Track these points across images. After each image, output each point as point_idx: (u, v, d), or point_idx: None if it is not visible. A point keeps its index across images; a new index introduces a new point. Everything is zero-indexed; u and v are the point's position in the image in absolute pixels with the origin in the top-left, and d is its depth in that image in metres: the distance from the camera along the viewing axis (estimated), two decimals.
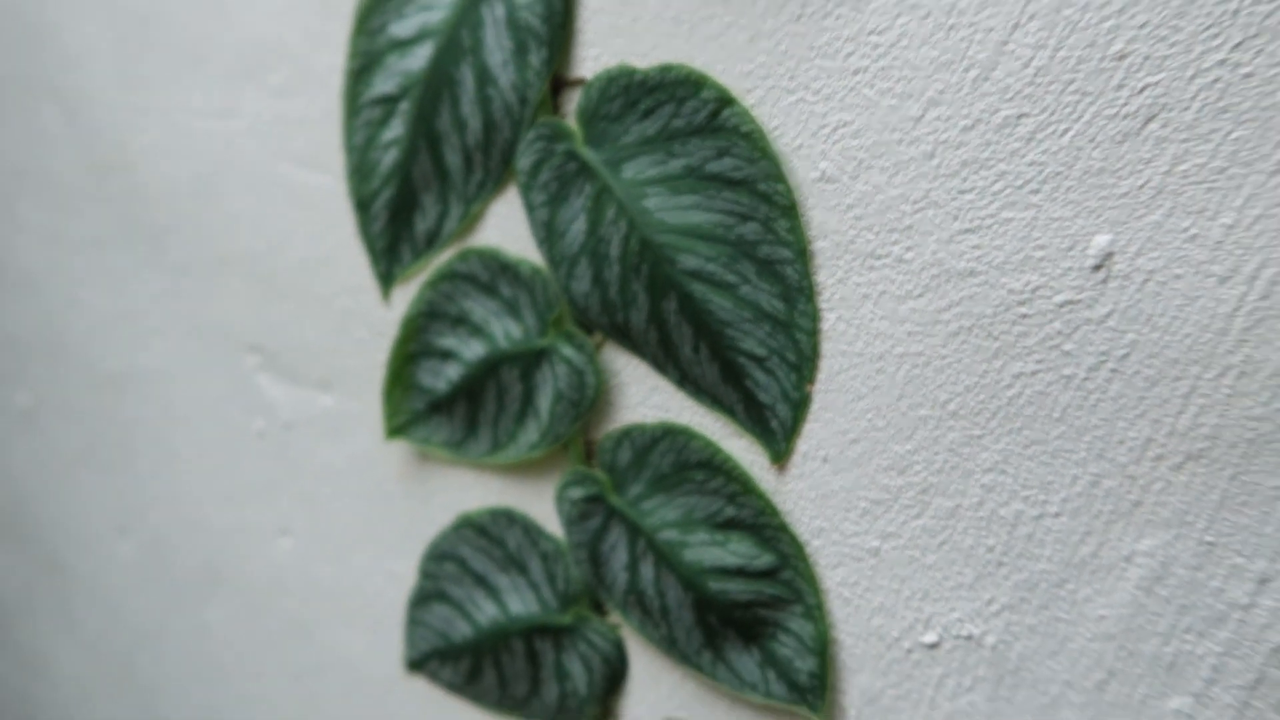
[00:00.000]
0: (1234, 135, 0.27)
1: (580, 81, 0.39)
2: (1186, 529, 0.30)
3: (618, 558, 0.41)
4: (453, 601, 0.48)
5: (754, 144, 0.35)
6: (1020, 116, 0.30)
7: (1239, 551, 0.29)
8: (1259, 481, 0.28)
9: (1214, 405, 0.29)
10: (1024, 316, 0.31)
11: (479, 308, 0.44)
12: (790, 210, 0.35)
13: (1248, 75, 0.27)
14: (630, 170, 0.38)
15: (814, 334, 0.35)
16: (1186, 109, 0.28)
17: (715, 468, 0.38)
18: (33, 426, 0.72)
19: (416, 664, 0.51)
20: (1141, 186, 0.28)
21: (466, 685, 0.49)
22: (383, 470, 0.50)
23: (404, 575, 0.51)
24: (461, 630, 0.48)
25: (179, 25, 0.54)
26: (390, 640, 0.52)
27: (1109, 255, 0.29)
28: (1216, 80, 0.27)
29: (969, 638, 0.34)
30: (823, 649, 0.37)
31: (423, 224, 0.45)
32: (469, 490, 0.47)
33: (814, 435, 0.36)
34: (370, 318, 0.49)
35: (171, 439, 0.62)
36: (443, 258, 0.45)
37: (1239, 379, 0.28)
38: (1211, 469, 0.29)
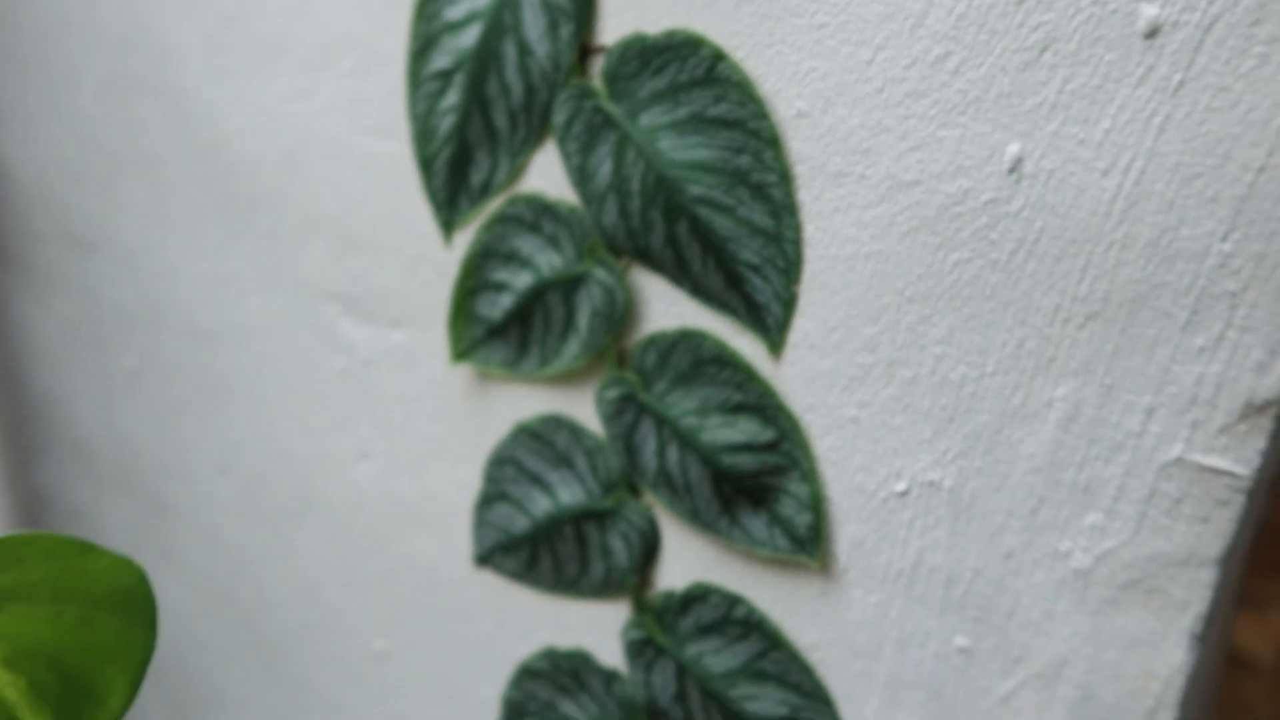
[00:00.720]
0: (1106, 59, 0.35)
1: (602, 48, 0.48)
2: (1090, 376, 0.38)
3: (648, 445, 0.51)
4: (512, 500, 0.58)
5: (743, 90, 0.44)
6: (948, 54, 0.38)
7: (1130, 390, 0.38)
8: (1141, 331, 0.37)
9: (1104, 274, 0.37)
10: (959, 215, 0.39)
11: (526, 244, 0.53)
12: (775, 143, 0.43)
13: (1113, 12, 0.35)
14: (646, 119, 0.47)
15: (798, 243, 0.44)
16: (1070, 40, 0.36)
17: (724, 362, 0.47)
18: (139, 385, 0.84)
19: (483, 558, 0.61)
20: (1040, 104, 0.37)
21: (526, 573, 0.59)
22: (449, 392, 0.60)
23: (470, 482, 0.60)
24: (520, 524, 0.58)
25: (260, 22, 0.64)
26: (460, 541, 0.62)
27: (1019, 160, 0.38)
28: (1091, 16, 0.35)
29: (931, 483, 0.43)
30: (817, 506, 0.46)
31: (477, 177, 0.55)
32: (523, 402, 0.56)
33: (801, 328, 0.45)
34: (435, 261, 0.58)
35: (264, 385, 0.73)
36: (494, 205, 0.54)
37: (1122, 250, 0.37)
38: (1106, 325, 0.37)
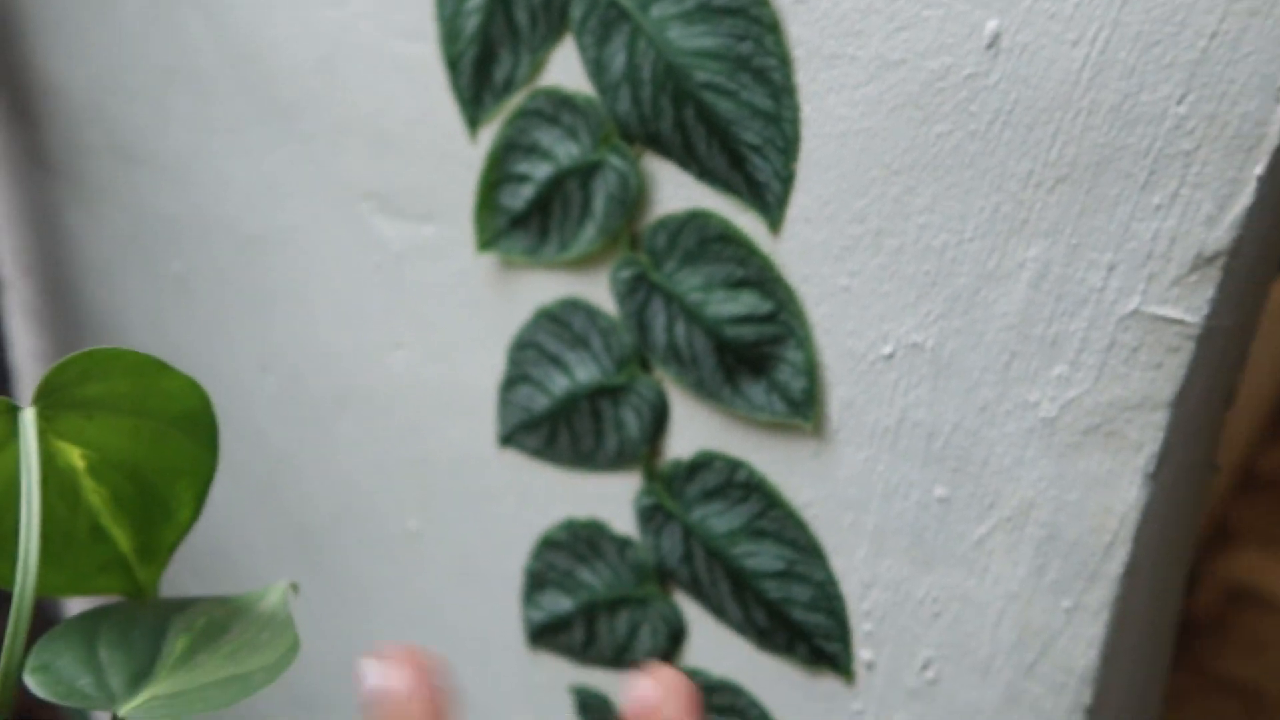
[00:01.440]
0: None
1: None
2: (1059, 236, 0.42)
3: (658, 322, 0.55)
4: (533, 380, 0.63)
5: None
6: None
7: (1094, 248, 0.41)
8: (1105, 191, 0.41)
9: (1072, 139, 0.41)
10: (941, 90, 0.43)
11: (546, 136, 0.58)
12: (775, 28, 0.47)
13: None
14: (656, 10, 0.51)
15: (795, 123, 0.48)
16: None
17: (728, 239, 0.52)
18: (185, 291, 0.90)
19: (506, 438, 0.66)
20: None
21: (546, 448, 0.64)
22: (475, 280, 0.65)
23: (495, 367, 0.66)
24: (541, 403, 0.63)
25: None
26: (486, 424, 0.68)
27: (997, 35, 0.41)
28: None
29: (914, 345, 0.47)
30: (811, 370, 0.51)
31: (500, 74, 0.59)
32: (544, 287, 0.61)
33: (798, 203, 0.49)
34: (462, 157, 0.63)
35: (304, 284, 0.78)
36: (517, 100, 0.59)
37: (1088, 116, 0.40)
38: (1074, 188, 0.41)
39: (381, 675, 0.25)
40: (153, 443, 0.38)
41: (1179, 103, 0.38)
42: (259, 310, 0.84)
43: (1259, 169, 0.38)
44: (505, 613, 0.70)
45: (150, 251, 0.92)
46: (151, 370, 0.37)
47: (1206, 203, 0.39)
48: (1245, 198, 0.38)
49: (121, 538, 0.40)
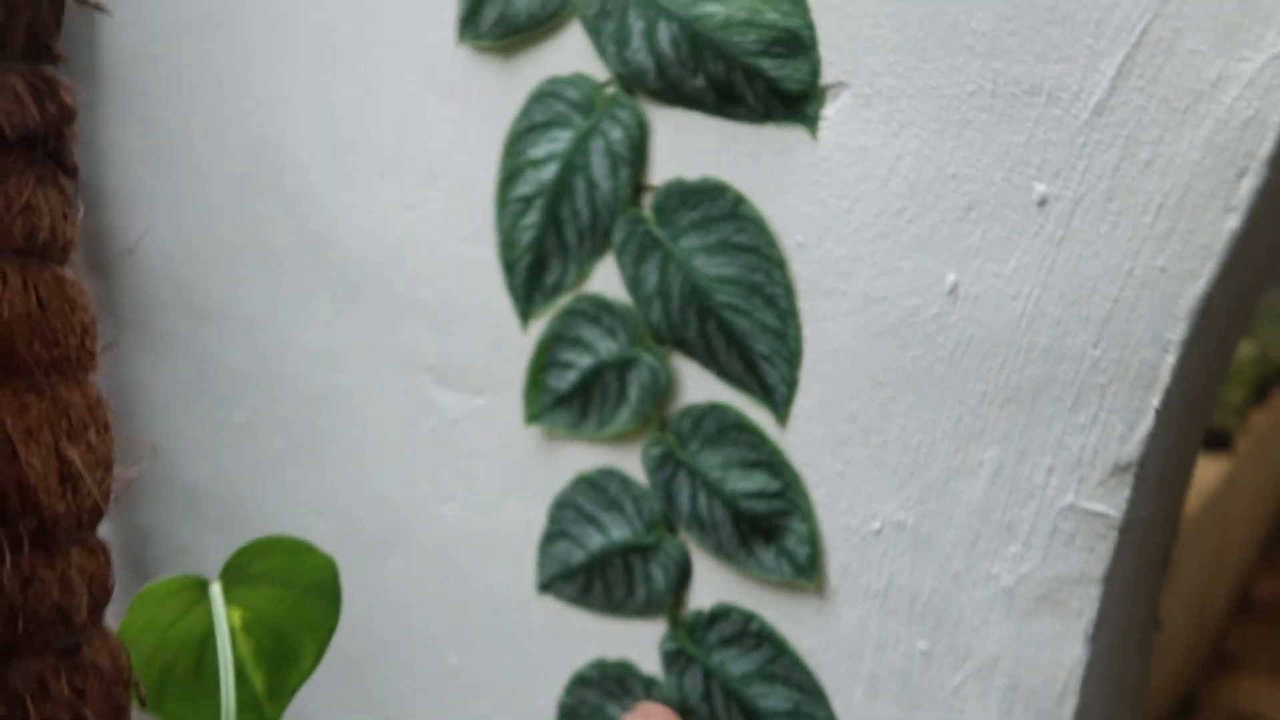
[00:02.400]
0: (1012, 218, 0.52)
1: (652, 187, 0.66)
2: (1009, 442, 0.54)
3: (684, 493, 0.67)
4: (571, 536, 0.74)
5: (758, 225, 0.61)
6: (904, 208, 0.55)
7: (1037, 453, 0.53)
8: (1043, 410, 0.53)
9: (1016, 368, 0.53)
10: (914, 323, 0.56)
11: (589, 332, 0.70)
12: (781, 264, 0.60)
13: (1016, 186, 0.52)
14: (684, 242, 0.64)
15: (799, 340, 0.60)
16: (988, 204, 0.52)
17: (743, 428, 0.64)
18: (247, 436, 1.01)
19: (545, 586, 0.77)
20: (969, 247, 0.53)
21: (581, 597, 0.75)
22: (521, 448, 0.77)
23: (536, 522, 0.77)
24: (578, 556, 0.74)
25: (376, 145, 0.82)
26: (526, 572, 0.78)
27: (956, 285, 0.54)
28: (1001, 189, 0.52)
29: (898, 523, 0.59)
30: (813, 540, 0.62)
31: (550, 279, 0.72)
32: (583, 457, 0.73)
33: (801, 403, 0.61)
34: (513, 343, 0.75)
35: (361, 439, 0.90)
36: (564, 300, 0.71)
37: (1027, 352, 0.53)
38: (1019, 406, 0.53)
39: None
40: (293, 605, 0.50)
41: (1094, 347, 0.51)
42: (317, 460, 0.95)
43: (1156, 402, 0.50)
44: None
45: (214, 399, 1.04)
46: (302, 551, 0.48)
47: (1119, 425, 0.51)
48: (1147, 424, 0.50)
49: (258, 680, 0.51)
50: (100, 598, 0.38)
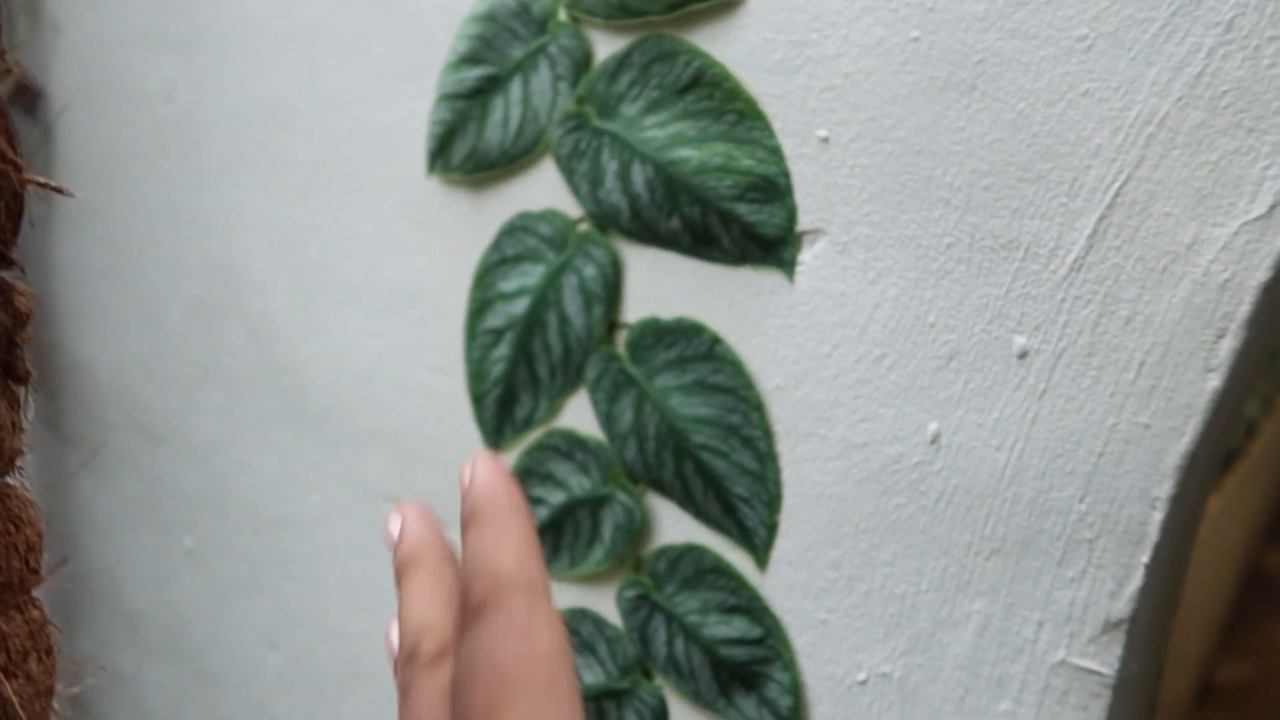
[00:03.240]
0: (993, 369, 0.51)
1: (626, 324, 0.64)
2: (997, 595, 0.53)
3: (660, 636, 0.64)
4: None
5: (735, 367, 0.60)
6: (884, 355, 0.55)
7: (1025, 606, 0.52)
8: (1030, 563, 0.52)
9: (1001, 520, 0.52)
10: (896, 470, 0.55)
11: (560, 468, 0.68)
12: (759, 407, 0.59)
13: (996, 338, 0.51)
14: (659, 381, 0.63)
15: (778, 483, 0.59)
16: (969, 354, 0.52)
17: (721, 571, 0.62)
18: (196, 563, 0.97)
19: None
20: (950, 396, 0.53)
21: None
22: None
23: None
24: None
25: (342, 271, 0.81)
26: None
27: (938, 434, 0.53)
28: (981, 339, 0.52)
29: (884, 674, 0.57)
30: (796, 691, 0.59)
31: (521, 412, 0.70)
32: (555, 597, 0.70)
33: (781, 547, 0.59)
34: None
35: (319, 570, 0.86)
36: (534, 435, 0.69)
37: (1012, 504, 0.52)
38: (1005, 558, 0.52)
39: (399, 521, 0.29)
40: None
41: (1080, 501, 0.50)
42: (271, 590, 0.91)
43: (1145, 558, 0.49)
44: None
45: (163, 523, 1.00)
46: None
47: (1109, 580, 0.50)
48: (1137, 579, 0.49)
49: None
50: None
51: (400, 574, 0.27)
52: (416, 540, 0.27)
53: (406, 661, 0.25)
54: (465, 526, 0.25)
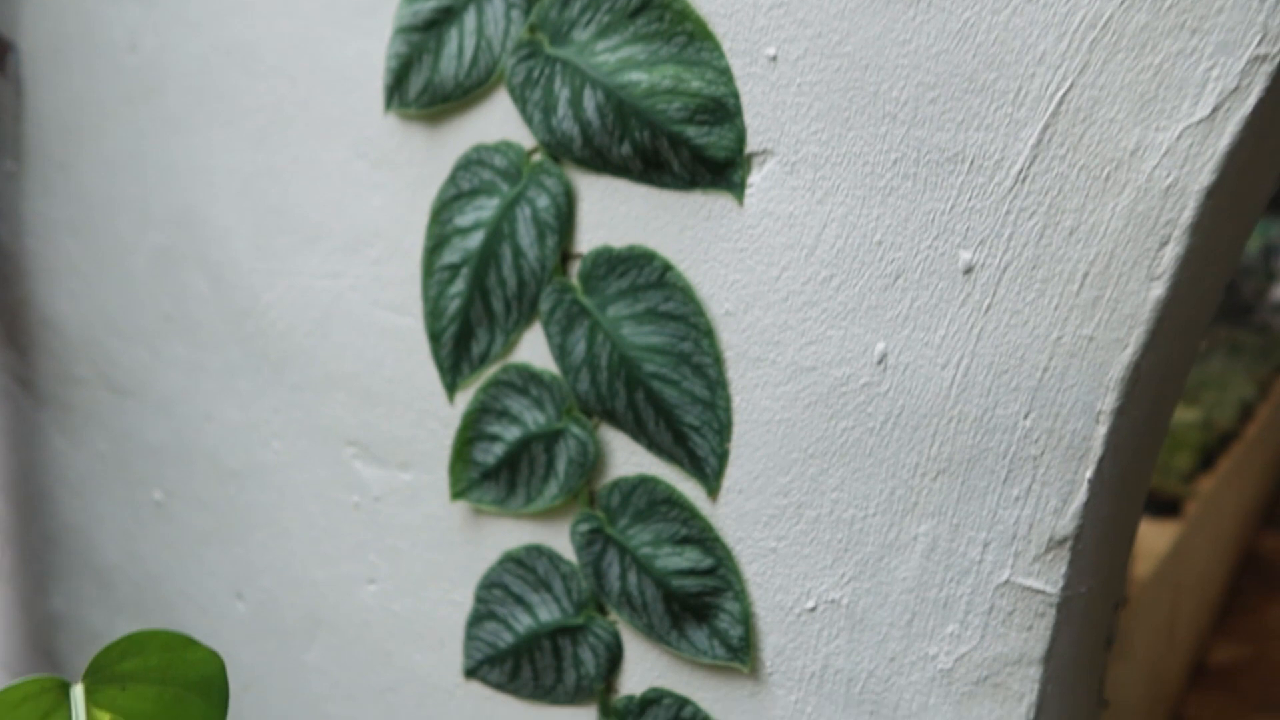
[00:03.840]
0: (939, 286, 0.51)
1: (579, 255, 0.64)
2: (943, 516, 0.52)
3: (613, 571, 0.64)
4: (498, 618, 0.71)
5: (686, 293, 0.59)
6: (831, 276, 0.54)
7: (971, 527, 0.51)
8: (976, 483, 0.51)
9: (947, 440, 0.51)
10: (844, 393, 0.54)
11: (515, 404, 0.68)
12: (710, 333, 0.58)
13: (942, 254, 0.50)
14: (611, 310, 0.62)
15: (728, 410, 0.58)
16: (915, 272, 0.51)
17: (673, 502, 0.61)
18: (164, 516, 0.96)
19: (471, 671, 0.73)
20: (897, 315, 0.52)
21: (509, 683, 0.71)
22: (447, 525, 0.73)
23: (463, 602, 0.73)
24: (505, 639, 0.70)
25: (303, 212, 0.80)
26: (452, 655, 0.74)
27: (885, 355, 0.53)
28: (927, 256, 0.51)
29: (833, 601, 0.56)
30: (747, 620, 0.59)
31: (477, 348, 0.69)
32: (510, 534, 0.69)
33: (732, 476, 0.59)
34: (440, 414, 0.72)
35: (283, 517, 0.86)
36: (490, 371, 0.69)
37: (958, 423, 0.51)
38: (952, 479, 0.52)
39: None
40: (171, 705, 0.45)
41: (1025, 418, 0.49)
42: (237, 540, 0.90)
43: (1089, 473, 0.48)
44: None
45: (131, 477, 0.99)
46: (179, 645, 0.44)
47: (1053, 497, 0.49)
48: (1081, 495, 0.48)
49: None
50: None
51: None
52: None
53: None
54: None
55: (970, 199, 0.50)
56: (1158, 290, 0.46)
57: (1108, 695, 0.62)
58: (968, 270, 0.50)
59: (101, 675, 0.42)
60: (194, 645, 0.45)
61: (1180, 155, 0.44)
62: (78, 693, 0.40)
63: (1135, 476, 0.53)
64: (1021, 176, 0.48)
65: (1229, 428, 2.99)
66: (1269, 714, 2.59)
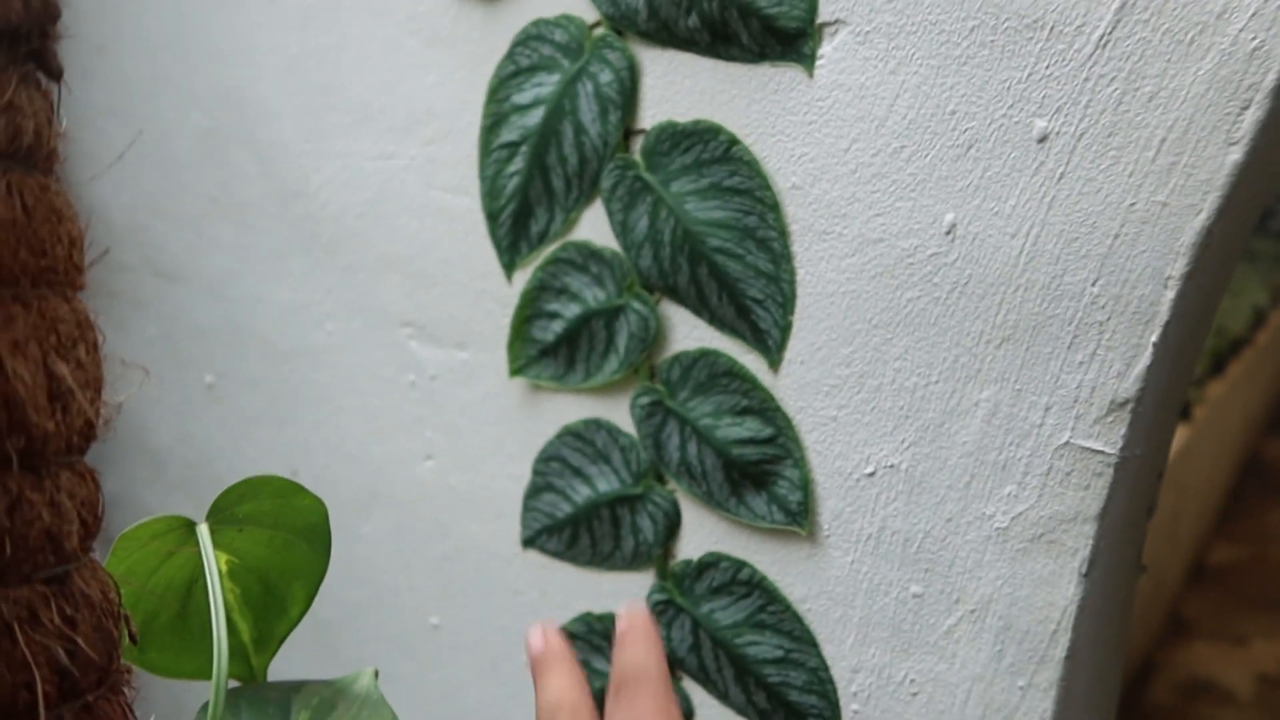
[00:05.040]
0: (1011, 155, 0.51)
1: (642, 131, 0.64)
2: (1005, 382, 0.54)
3: (673, 442, 0.66)
4: (556, 489, 0.73)
5: (752, 168, 0.60)
6: (902, 147, 0.54)
7: (1033, 392, 0.53)
8: (1040, 349, 0.52)
9: (1014, 308, 0.53)
10: (911, 264, 0.55)
11: (575, 281, 0.69)
12: (775, 207, 0.59)
13: (1016, 123, 0.51)
14: (675, 186, 0.62)
15: (792, 283, 0.60)
16: (987, 142, 0.52)
17: (734, 374, 0.63)
18: (215, 398, 0.99)
19: (529, 540, 0.76)
20: (968, 185, 0.53)
21: (567, 551, 0.74)
22: (505, 401, 0.75)
23: (521, 476, 0.75)
24: (563, 509, 0.73)
25: (353, 92, 0.80)
26: (510, 527, 0.77)
27: (954, 225, 0.54)
28: (1001, 125, 0.51)
29: (891, 466, 0.58)
30: (805, 486, 0.61)
31: (536, 227, 0.70)
32: (569, 409, 0.71)
33: (794, 348, 0.60)
34: (497, 294, 0.74)
35: (336, 397, 0.88)
36: (550, 249, 0.70)
37: (1025, 291, 0.52)
38: (1016, 346, 0.53)
39: (540, 638, 0.38)
40: (282, 550, 0.48)
41: (1093, 284, 0.51)
42: (289, 419, 0.93)
43: (1154, 337, 0.50)
44: (523, 698, 0.78)
45: (181, 360, 1.01)
46: (290, 492, 0.47)
47: (1117, 361, 0.51)
48: (1145, 359, 0.50)
49: (245, 629, 0.49)
50: (91, 525, 0.36)
51: (543, 669, 0.37)
52: (557, 648, 0.39)
53: (549, 717, 0.35)
54: (622, 638, 0.35)
55: (1048, 66, 0.50)
56: (1235, 155, 0.46)
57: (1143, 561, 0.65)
58: (1042, 139, 0.51)
59: (221, 517, 0.44)
60: (302, 492, 0.47)
61: (1268, 17, 0.44)
62: (204, 533, 0.43)
63: (1192, 342, 0.54)
64: (1102, 42, 0.48)
65: (1241, 333, 3.00)
66: (1266, 612, 2.67)
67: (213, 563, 0.42)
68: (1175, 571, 2.60)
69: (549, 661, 0.37)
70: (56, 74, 0.31)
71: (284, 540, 0.47)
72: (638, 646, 0.35)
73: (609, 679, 0.37)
